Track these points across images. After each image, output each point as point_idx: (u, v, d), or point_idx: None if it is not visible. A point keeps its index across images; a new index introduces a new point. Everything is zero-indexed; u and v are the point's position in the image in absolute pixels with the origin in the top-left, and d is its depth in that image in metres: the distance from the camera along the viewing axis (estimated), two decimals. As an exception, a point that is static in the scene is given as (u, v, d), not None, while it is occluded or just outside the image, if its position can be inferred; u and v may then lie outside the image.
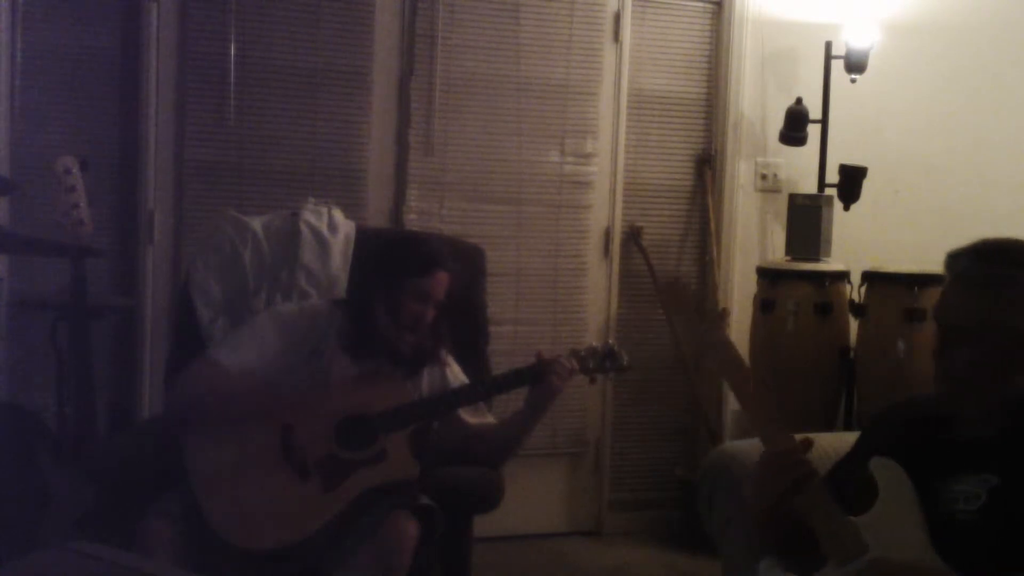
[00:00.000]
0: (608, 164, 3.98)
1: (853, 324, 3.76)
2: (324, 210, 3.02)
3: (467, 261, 2.89)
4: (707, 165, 4.10)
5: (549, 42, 3.85)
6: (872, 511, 1.65)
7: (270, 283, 2.87)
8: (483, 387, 2.59)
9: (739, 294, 4.07)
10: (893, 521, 1.64)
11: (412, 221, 3.71)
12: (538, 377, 2.45)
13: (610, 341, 2.60)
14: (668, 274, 4.05)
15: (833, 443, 2.15)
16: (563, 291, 3.94)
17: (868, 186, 3.89)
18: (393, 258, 2.50)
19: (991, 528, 1.62)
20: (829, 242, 3.85)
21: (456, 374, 2.60)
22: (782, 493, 1.68)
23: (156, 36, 3.45)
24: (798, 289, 3.72)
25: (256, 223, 2.93)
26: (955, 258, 1.75)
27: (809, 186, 4.01)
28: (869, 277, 3.69)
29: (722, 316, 1.98)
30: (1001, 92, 4.19)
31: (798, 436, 1.74)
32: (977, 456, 1.69)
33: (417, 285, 2.45)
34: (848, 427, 3.76)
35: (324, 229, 2.95)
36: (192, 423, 2.33)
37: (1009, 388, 1.69)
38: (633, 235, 4.02)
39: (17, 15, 3.32)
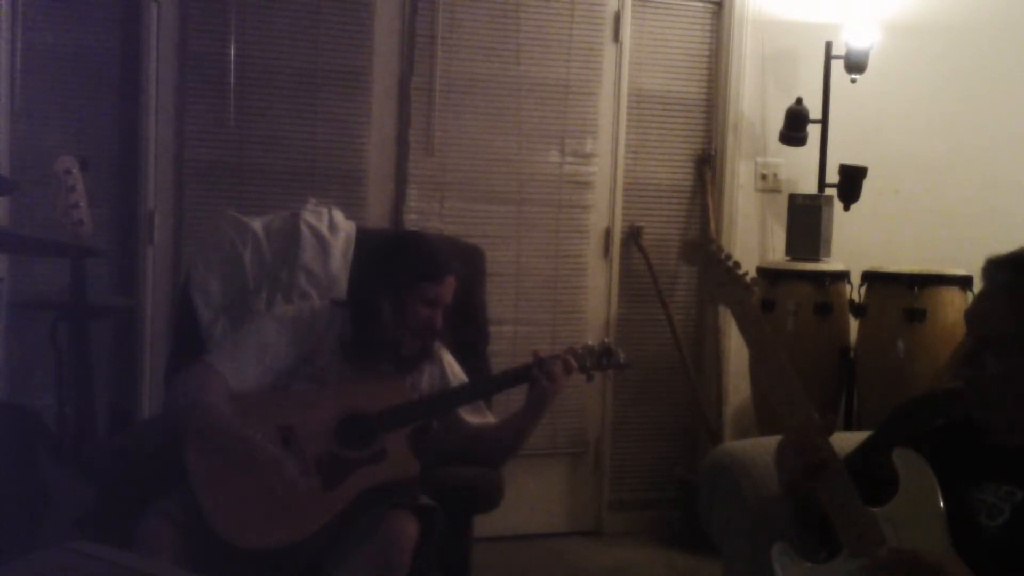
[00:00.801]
0: (608, 164, 3.98)
1: (853, 324, 3.76)
2: (324, 210, 3.02)
3: (467, 261, 2.88)
4: (707, 165, 4.10)
5: (549, 42, 3.85)
6: (892, 503, 1.63)
7: (270, 283, 2.87)
8: (482, 386, 2.59)
9: (739, 294, 4.07)
10: (913, 514, 1.62)
11: (412, 221, 3.71)
12: (536, 376, 2.45)
13: (606, 339, 2.60)
14: (670, 273, 4.07)
15: (833, 443, 2.14)
16: (563, 291, 3.94)
17: (868, 186, 3.89)
18: (401, 262, 2.48)
19: (1012, 545, 1.59)
20: (829, 242, 3.85)
21: (455, 372, 2.60)
22: (798, 477, 1.67)
23: (156, 36, 3.45)
24: (798, 289, 3.72)
25: (256, 223, 2.93)
26: (993, 266, 1.71)
27: (809, 186, 4.01)
28: (869, 277, 3.69)
29: (752, 286, 1.95)
30: (1001, 92, 4.19)
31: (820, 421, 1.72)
32: (1003, 467, 1.66)
33: (428, 290, 2.45)
34: (848, 427, 3.76)
35: (324, 229, 2.95)
36: (187, 428, 2.32)
37: None
38: (633, 235, 4.02)
39: (17, 15, 3.32)
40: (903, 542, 1.58)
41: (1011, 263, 1.69)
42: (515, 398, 2.61)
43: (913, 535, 1.59)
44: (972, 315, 1.74)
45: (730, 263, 1.94)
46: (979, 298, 1.74)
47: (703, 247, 1.99)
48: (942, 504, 1.62)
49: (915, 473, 1.66)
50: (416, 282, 2.44)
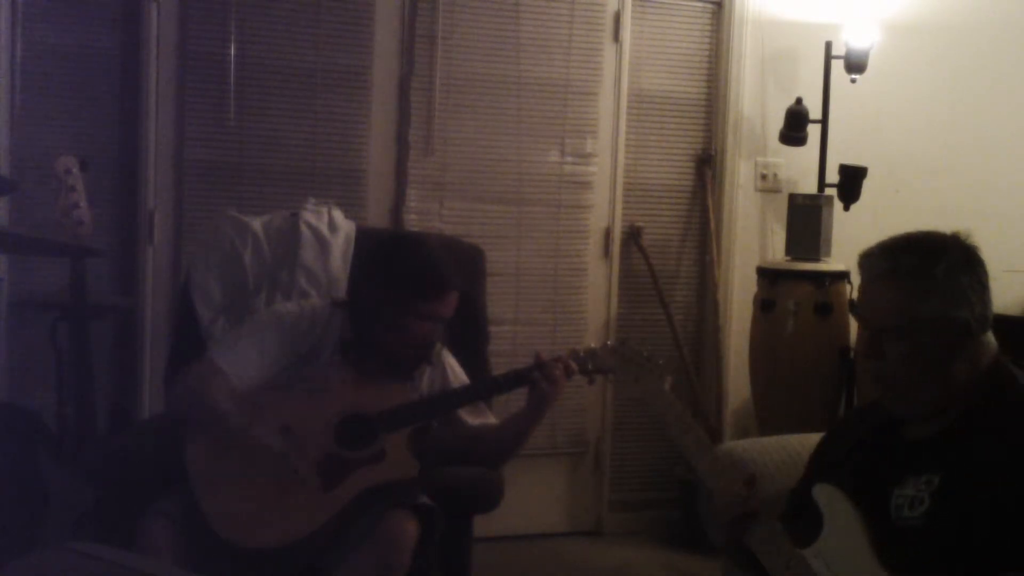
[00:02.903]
0: (608, 164, 3.98)
1: (853, 324, 3.75)
2: (324, 210, 3.01)
3: (467, 261, 2.89)
4: (707, 165, 4.09)
5: (549, 42, 3.85)
6: (820, 539, 1.69)
7: (270, 283, 2.87)
8: (483, 387, 2.58)
9: (739, 294, 4.08)
10: (839, 545, 1.67)
11: (412, 221, 3.71)
12: (536, 378, 2.44)
13: (609, 342, 2.58)
14: (670, 273, 4.07)
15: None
16: (563, 291, 3.94)
17: (868, 186, 3.89)
18: (402, 275, 2.41)
19: (935, 532, 1.62)
20: (829, 242, 3.85)
21: (456, 373, 2.59)
22: (731, 531, 1.73)
23: (156, 36, 3.45)
24: (798, 289, 3.72)
25: (256, 223, 2.92)
26: (868, 257, 1.77)
27: (809, 186, 4.01)
28: (869, 277, 3.69)
29: (665, 368, 2.05)
30: (1001, 92, 4.19)
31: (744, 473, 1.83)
32: (920, 458, 1.70)
33: (427, 307, 2.40)
34: (848, 427, 3.75)
35: (324, 229, 2.94)
36: (190, 424, 2.32)
37: (944, 381, 1.71)
38: (633, 235, 4.02)
39: (17, 15, 3.32)
40: (836, 573, 1.63)
41: (884, 252, 1.75)
42: (515, 398, 2.61)
43: (843, 567, 1.64)
44: (862, 308, 1.80)
45: (641, 357, 2.05)
46: (863, 291, 1.80)
47: (614, 350, 2.10)
48: (865, 528, 1.66)
49: (835, 506, 1.71)
50: (416, 299, 2.39)
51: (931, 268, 1.70)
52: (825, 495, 1.73)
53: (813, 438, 2.30)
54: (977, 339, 1.71)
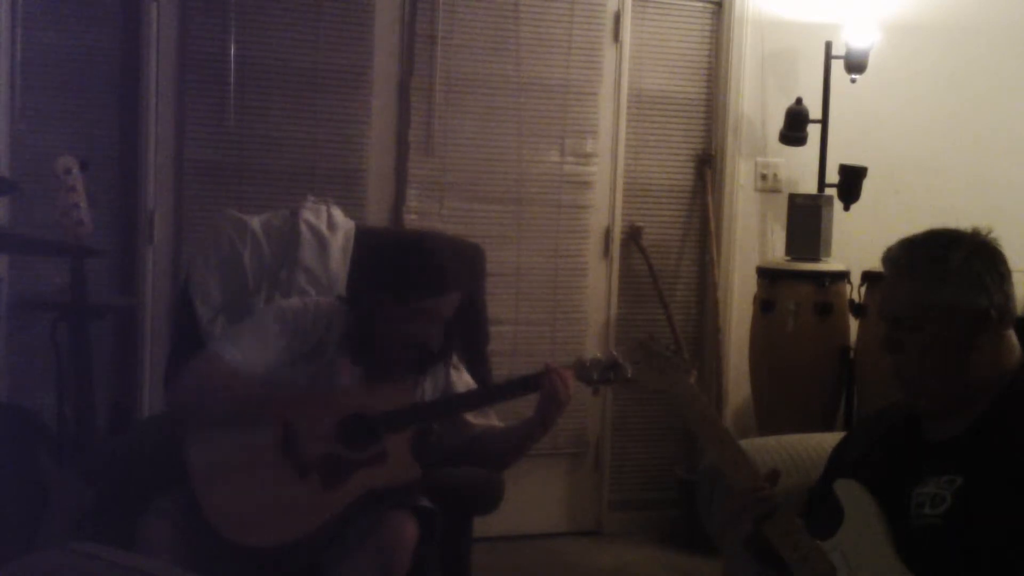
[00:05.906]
0: (608, 164, 3.98)
1: (853, 324, 3.76)
2: (323, 208, 3.01)
3: (467, 261, 2.88)
4: (707, 165, 4.10)
5: (549, 42, 3.85)
6: (840, 532, 1.69)
7: (270, 282, 2.86)
8: (486, 393, 2.56)
9: (739, 294, 4.08)
10: (859, 540, 1.67)
11: (412, 221, 3.71)
12: (541, 386, 2.43)
13: (614, 352, 2.55)
14: (670, 273, 4.07)
15: (832, 443, 2.15)
16: (563, 291, 3.94)
17: (868, 186, 3.89)
18: (403, 275, 2.39)
19: (957, 532, 1.62)
20: (829, 242, 3.85)
21: (462, 378, 2.58)
22: (750, 528, 1.72)
23: (156, 36, 3.45)
24: (798, 289, 3.72)
25: (256, 223, 2.92)
26: (888, 253, 1.80)
27: (809, 186, 4.01)
28: (869, 277, 3.69)
29: (690, 367, 2.06)
30: (1001, 92, 4.19)
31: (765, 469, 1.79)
32: (942, 456, 1.70)
33: (425, 306, 2.38)
34: (848, 427, 3.76)
35: (323, 228, 2.94)
36: (193, 418, 2.32)
37: (965, 372, 1.70)
38: (633, 235, 4.02)
39: (17, 15, 3.32)
40: (853, 569, 1.63)
41: (902, 247, 1.79)
42: (516, 401, 2.59)
43: (862, 561, 1.64)
44: (881, 302, 1.82)
45: (667, 352, 2.05)
46: (884, 287, 1.83)
47: (641, 344, 2.10)
48: (885, 524, 1.67)
49: (854, 500, 1.72)
50: (414, 300, 2.36)
51: (945, 257, 1.71)
52: (846, 490, 1.73)
53: (813, 438, 2.31)
54: (999, 332, 1.71)
